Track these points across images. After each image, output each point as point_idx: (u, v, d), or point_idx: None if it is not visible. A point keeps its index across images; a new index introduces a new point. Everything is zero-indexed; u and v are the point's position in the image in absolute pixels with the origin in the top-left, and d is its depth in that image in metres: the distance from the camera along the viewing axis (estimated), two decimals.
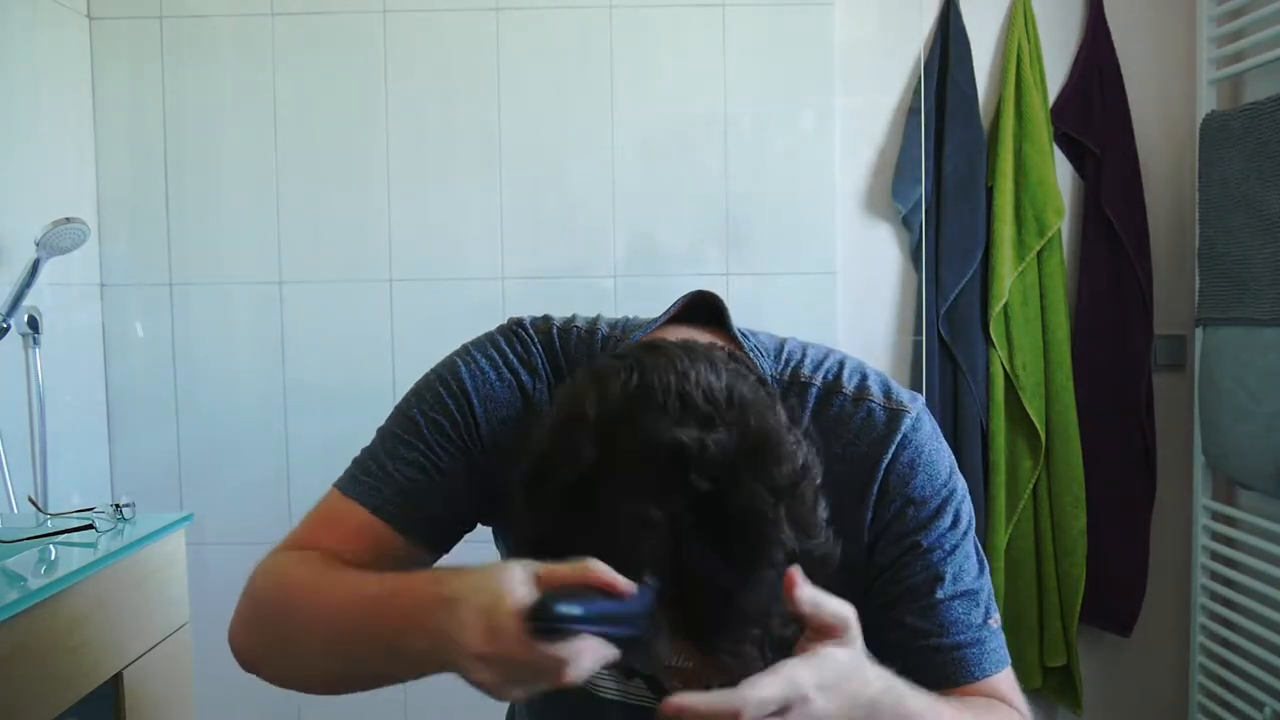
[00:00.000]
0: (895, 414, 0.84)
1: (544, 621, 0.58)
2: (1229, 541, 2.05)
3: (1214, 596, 2.08)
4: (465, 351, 0.90)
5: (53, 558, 1.28)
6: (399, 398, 1.00)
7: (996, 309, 2.06)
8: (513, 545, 0.71)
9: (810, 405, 0.85)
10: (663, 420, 0.66)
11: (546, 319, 0.91)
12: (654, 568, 0.63)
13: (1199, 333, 2.05)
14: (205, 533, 1.92)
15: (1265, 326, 1.81)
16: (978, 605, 0.84)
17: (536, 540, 0.68)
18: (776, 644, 0.69)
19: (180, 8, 2.02)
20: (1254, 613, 1.95)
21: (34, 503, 1.57)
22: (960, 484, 0.86)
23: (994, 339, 2.07)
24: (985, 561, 0.87)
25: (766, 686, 0.63)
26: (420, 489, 0.85)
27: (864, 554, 0.83)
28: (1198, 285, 2.04)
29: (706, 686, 0.86)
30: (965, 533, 0.85)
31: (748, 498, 0.65)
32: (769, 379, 0.84)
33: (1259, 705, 1.90)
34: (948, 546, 0.84)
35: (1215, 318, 1.97)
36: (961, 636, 0.83)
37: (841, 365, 0.87)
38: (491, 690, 0.64)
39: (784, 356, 0.88)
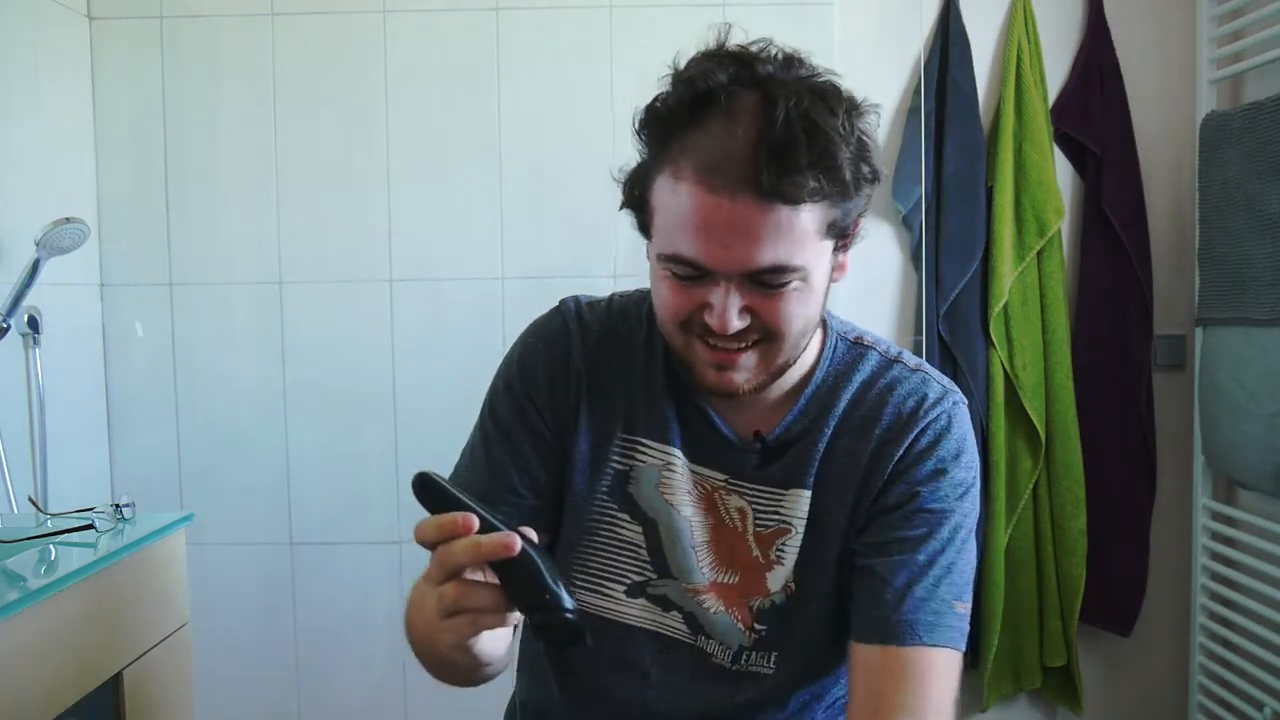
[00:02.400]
0: (949, 390, 0.93)
1: (421, 484, 0.70)
2: (1229, 541, 2.05)
3: (1214, 596, 2.08)
4: (516, 342, 1.00)
5: (53, 558, 1.28)
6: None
7: (996, 309, 2.06)
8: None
9: (871, 366, 0.94)
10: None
11: (594, 297, 1.00)
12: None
13: (1199, 333, 2.05)
14: (205, 533, 1.92)
15: (1265, 327, 1.81)
16: (950, 582, 0.89)
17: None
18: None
19: (180, 8, 2.02)
20: (1254, 613, 1.95)
21: (34, 503, 1.57)
22: (978, 485, 0.93)
23: (994, 339, 2.07)
24: (975, 553, 0.93)
25: None
26: (504, 472, 0.93)
27: (878, 486, 0.90)
28: (1198, 285, 2.04)
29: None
30: (968, 515, 0.91)
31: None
32: (833, 332, 0.95)
33: (1259, 705, 1.90)
34: (946, 517, 0.89)
35: (1215, 318, 1.97)
36: (924, 604, 0.87)
37: (901, 349, 0.97)
38: (439, 587, 0.70)
39: (846, 325, 0.97)
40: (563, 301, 0.99)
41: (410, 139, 2.04)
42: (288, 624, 2.07)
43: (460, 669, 0.82)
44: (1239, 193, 1.88)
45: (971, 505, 0.91)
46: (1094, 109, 2.11)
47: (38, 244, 1.58)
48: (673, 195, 0.78)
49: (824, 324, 0.95)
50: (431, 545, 0.69)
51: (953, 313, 2.08)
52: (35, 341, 1.72)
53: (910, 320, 2.14)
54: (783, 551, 0.91)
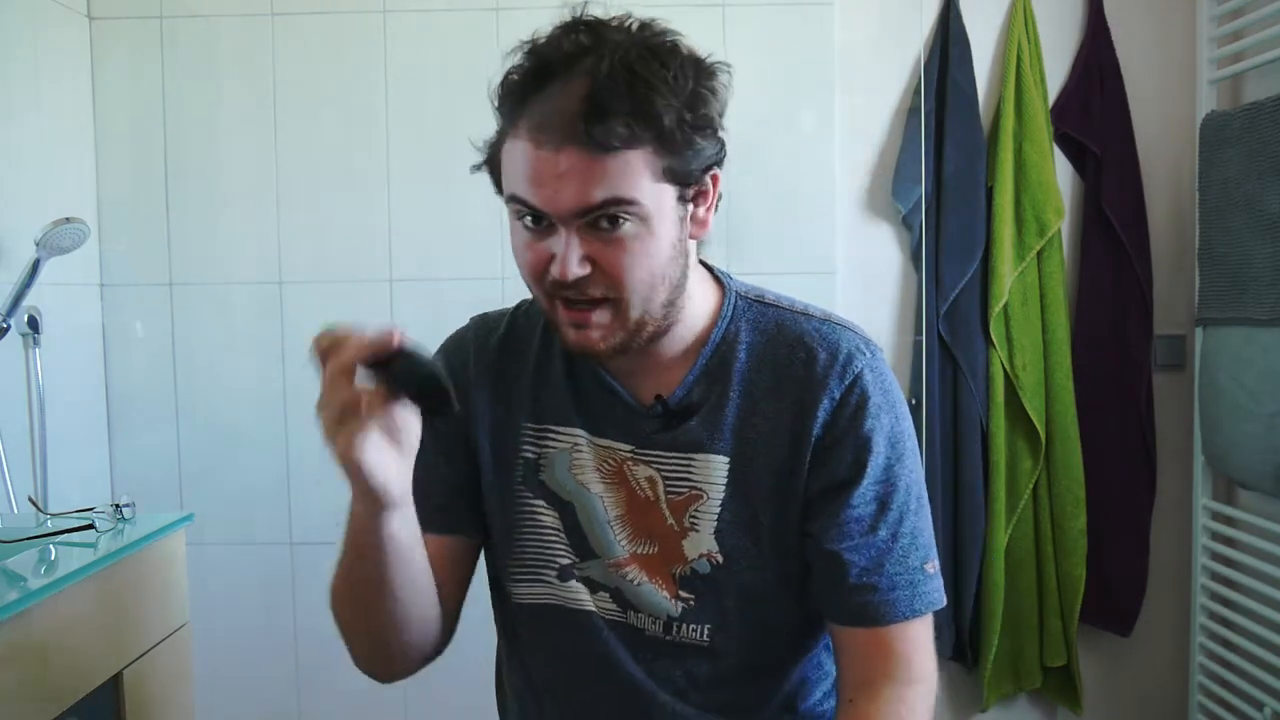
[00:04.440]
0: (863, 342, 0.93)
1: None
2: (1229, 541, 2.05)
3: (1214, 596, 2.08)
4: None
5: (53, 558, 1.28)
6: None
7: (996, 309, 2.06)
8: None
9: (774, 320, 0.94)
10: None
11: (504, 308, 1.03)
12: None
13: (1199, 333, 2.05)
14: (205, 533, 1.92)
15: (1265, 327, 1.81)
16: (917, 548, 0.90)
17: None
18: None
19: (180, 8, 2.02)
20: (1254, 613, 1.95)
21: (34, 503, 1.57)
22: (912, 428, 0.93)
23: (994, 339, 2.07)
24: (928, 505, 0.93)
25: None
26: (423, 487, 0.95)
27: (809, 454, 0.90)
28: (1198, 285, 2.04)
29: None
30: (913, 471, 0.92)
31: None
32: (731, 291, 0.96)
33: (1259, 705, 1.90)
34: (896, 482, 0.90)
35: (1215, 318, 1.97)
36: (899, 578, 0.89)
37: (808, 303, 0.97)
38: (329, 434, 0.76)
39: (748, 286, 0.98)
40: (471, 318, 1.04)
41: (410, 139, 2.04)
42: (288, 624, 2.08)
43: (372, 573, 0.85)
44: (1239, 193, 1.88)
45: (913, 454, 0.92)
46: (1094, 109, 2.10)
47: (38, 244, 1.58)
48: (511, 152, 0.83)
49: (721, 285, 0.96)
50: (324, 354, 0.75)
51: (953, 313, 2.08)
52: (35, 341, 1.72)
53: (910, 320, 2.14)
54: (697, 518, 0.92)
